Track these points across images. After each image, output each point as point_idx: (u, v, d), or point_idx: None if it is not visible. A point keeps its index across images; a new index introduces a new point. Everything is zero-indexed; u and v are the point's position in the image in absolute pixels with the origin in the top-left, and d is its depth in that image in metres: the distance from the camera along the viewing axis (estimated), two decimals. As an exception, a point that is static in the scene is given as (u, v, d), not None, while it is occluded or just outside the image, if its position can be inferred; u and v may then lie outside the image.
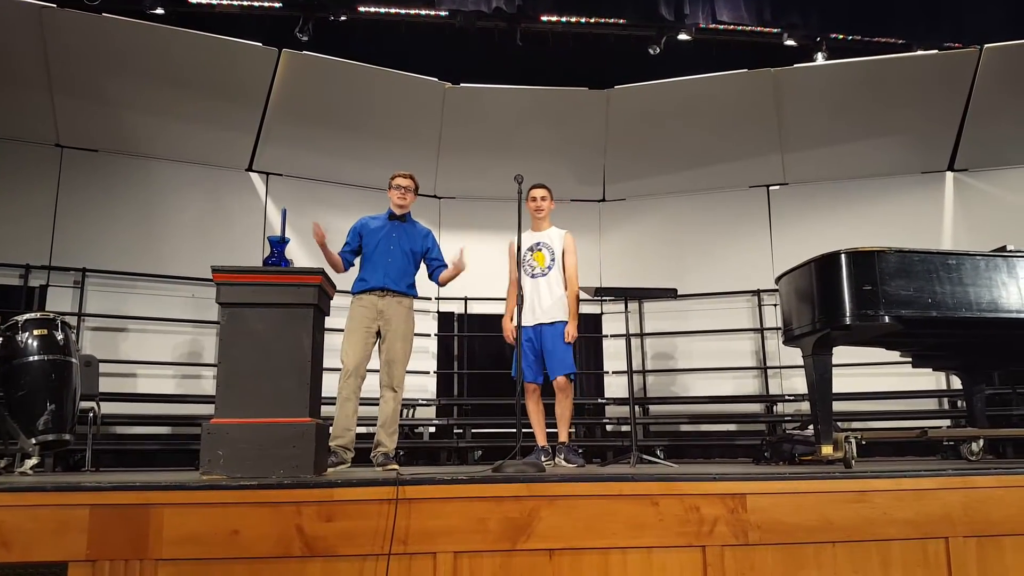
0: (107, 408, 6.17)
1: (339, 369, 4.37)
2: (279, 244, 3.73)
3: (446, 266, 4.69)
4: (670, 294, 4.64)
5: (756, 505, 2.84)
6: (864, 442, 3.72)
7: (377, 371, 4.50)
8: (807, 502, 2.87)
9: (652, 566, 2.77)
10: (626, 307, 4.76)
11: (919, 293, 3.58)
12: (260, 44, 7.17)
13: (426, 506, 2.71)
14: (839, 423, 6.82)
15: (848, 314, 3.58)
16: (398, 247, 4.56)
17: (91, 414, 5.30)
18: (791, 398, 7.37)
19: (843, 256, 3.65)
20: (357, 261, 4.69)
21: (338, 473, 4.09)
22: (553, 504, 2.76)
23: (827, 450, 3.64)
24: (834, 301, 3.63)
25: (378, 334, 4.48)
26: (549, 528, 2.74)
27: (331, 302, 3.89)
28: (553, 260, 4.79)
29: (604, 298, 4.74)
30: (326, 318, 3.82)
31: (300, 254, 7.10)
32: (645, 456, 4.35)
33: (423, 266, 4.77)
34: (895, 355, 4.87)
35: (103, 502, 2.67)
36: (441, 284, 4.80)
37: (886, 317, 3.54)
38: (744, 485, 2.86)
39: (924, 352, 4.75)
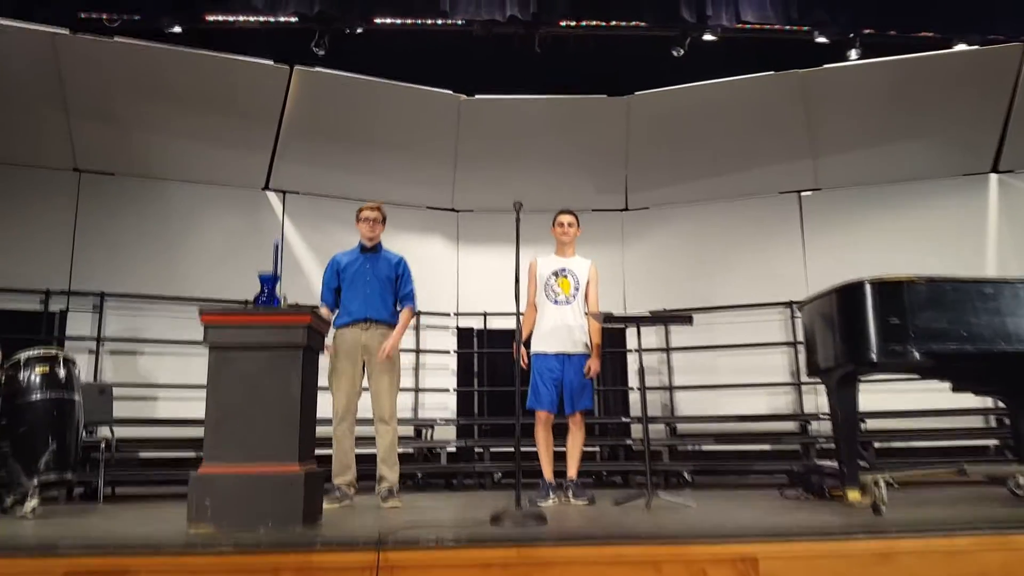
0: (127, 432, 6.15)
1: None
2: (270, 281, 3.61)
3: (407, 306, 4.64)
4: (685, 321, 4.38)
5: (769, 569, 2.61)
6: (896, 485, 3.45)
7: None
8: (825, 566, 2.63)
9: (655, 636, 2.56)
10: (638, 330, 4.53)
11: (952, 325, 3.30)
12: (271, 62, 7.09)
13: (408, 574, 2.54)
14: (875, 443, 6.48)
15: (874, 350, 3.31)
16: (374, 276, 4.55)
17: (102, 445, 5.24)
18: (825, 416, 7.02)
19: (868, 286, 3.38)
20: None
21: (340, 511, 4.00)
22: (546, 572, 2.56)
23: (854, 496, 3.38)
24: (859, 336, 3.36)
25: (363, 365, 4.45)
26: (542, 597, 2.55)
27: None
28: (577, 288, 4.69)
29: (614, 324, 4.51)
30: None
31: (311, 269, 7.06)
32: (662, 494, 4.11)
33: None
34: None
35: (79, 569, 2.58)
36: None
37: (916, 353, 3.26)
38: (757, 548, 2.64)
39: (964, 377, 4.43)
